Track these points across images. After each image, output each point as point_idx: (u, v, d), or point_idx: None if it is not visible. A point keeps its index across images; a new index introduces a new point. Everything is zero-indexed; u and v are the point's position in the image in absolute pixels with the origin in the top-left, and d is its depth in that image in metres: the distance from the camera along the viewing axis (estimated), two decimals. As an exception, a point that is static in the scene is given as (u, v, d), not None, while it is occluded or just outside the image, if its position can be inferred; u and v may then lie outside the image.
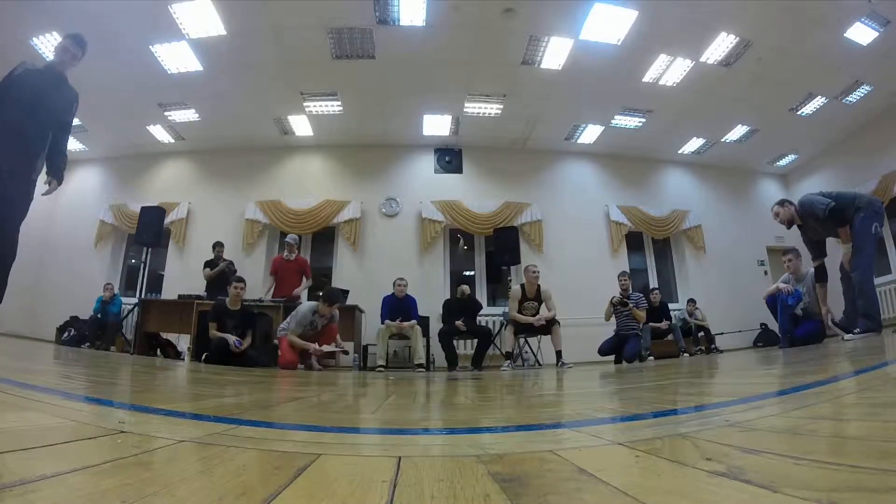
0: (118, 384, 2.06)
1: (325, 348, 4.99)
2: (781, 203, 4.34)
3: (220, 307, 5.16)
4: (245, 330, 5.08)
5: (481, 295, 8.15)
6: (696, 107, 7.55)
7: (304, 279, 6.50)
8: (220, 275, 6.50)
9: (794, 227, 4.37)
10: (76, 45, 3.18)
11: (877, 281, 7.75)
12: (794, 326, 4.58)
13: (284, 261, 6.50)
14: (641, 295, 6.04)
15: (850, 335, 3.76)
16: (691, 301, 7.73)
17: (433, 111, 7.81)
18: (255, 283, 6.72)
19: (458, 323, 5.83)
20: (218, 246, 6.85)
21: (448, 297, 7.13)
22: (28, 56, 6.06)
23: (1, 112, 2.87)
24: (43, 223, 8.14)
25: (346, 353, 5.70)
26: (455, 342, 6.02)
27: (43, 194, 3.07)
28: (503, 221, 8.00)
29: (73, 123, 3.38)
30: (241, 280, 5.37)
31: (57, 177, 3.13)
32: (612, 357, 5.86)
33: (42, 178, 3.08)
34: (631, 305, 5.77)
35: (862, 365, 1.90)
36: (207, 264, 6.69)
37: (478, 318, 6.37)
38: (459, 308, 6.11)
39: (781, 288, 4.67)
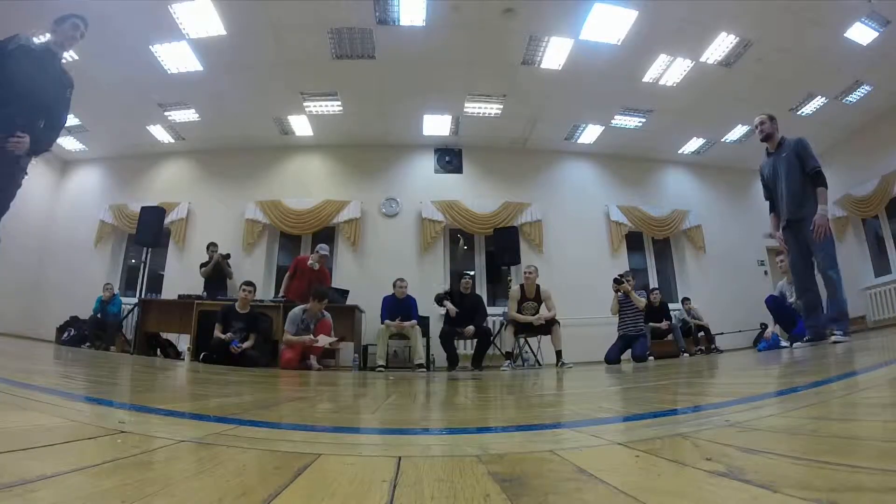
0: (118, 384, 2.06)
1: (321, 339, 5.03)
2: (772, 119, 4.13)
3: (229, 310, 5.18)
4: (250, 333, 5.11)
5: (481, 295, 8.12)
6: (696, 107, 7.55)
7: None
8: (216, 268, 6.46)
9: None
10: (85, 25, 2.99)
11: (876, 281, 7.84)
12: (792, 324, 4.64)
13: (309, 268, 6.32)
14: (643, 291, 6.05)
15: (800, 343, 3.81)
16: (686, 300, 7.71)
17: (433, 111, 7.81)
18: (255, 282, 6.70)
19: (468, 329, 5.70)
20: (212, 246, 6.84)
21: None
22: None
23: None
24: (43, 223, 8.14)
25: (341, 340, 5.65)
26: (455, 342, 5.99)
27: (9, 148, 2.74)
28: (503, 221, 8.00)
29: (69, 118, 3.12)
30: (249, 284, 5.38)
31: (35, 152, 2.89)
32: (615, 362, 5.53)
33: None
34: (626, 285, 5.62)
35: (861, 365, 1.90)
36: (203, 266, 6.69)
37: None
38: (465, 308, 5.87)
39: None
